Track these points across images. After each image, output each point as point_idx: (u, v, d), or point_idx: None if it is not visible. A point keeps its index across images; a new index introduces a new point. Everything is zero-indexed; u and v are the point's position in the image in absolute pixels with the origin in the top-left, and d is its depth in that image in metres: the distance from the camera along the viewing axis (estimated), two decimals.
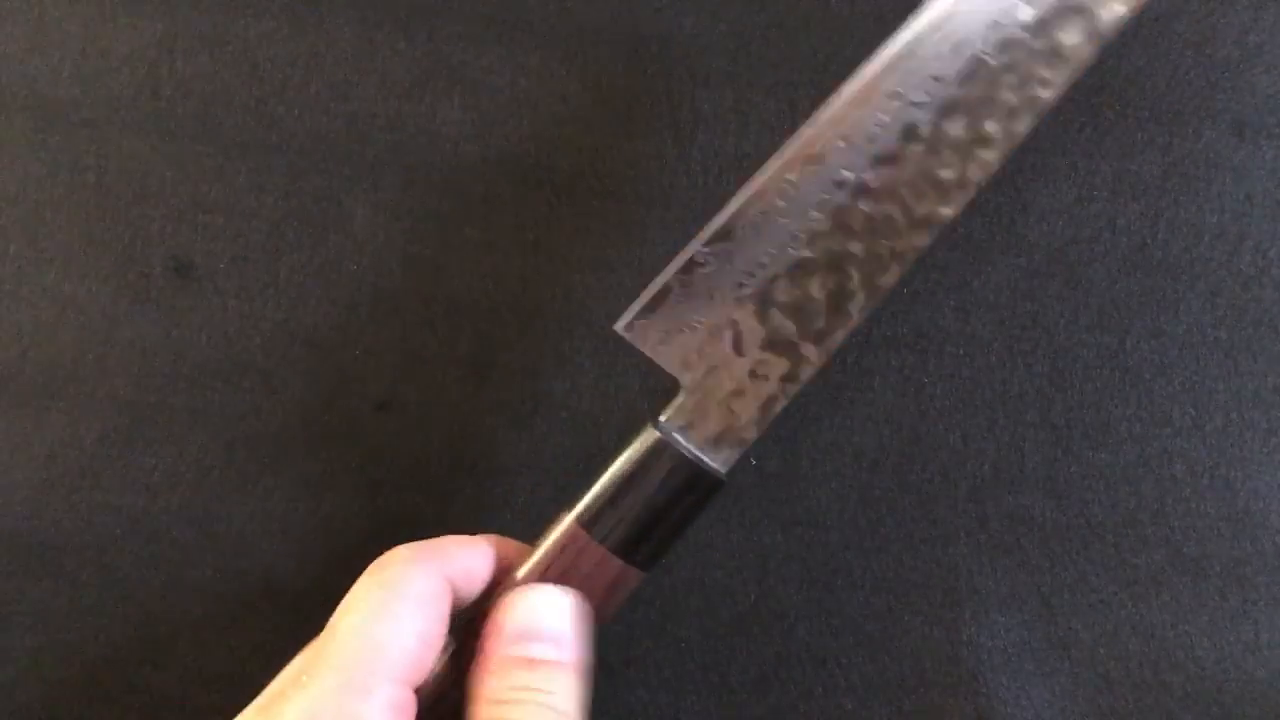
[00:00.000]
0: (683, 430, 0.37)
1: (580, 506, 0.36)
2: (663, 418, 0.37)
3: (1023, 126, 0.37)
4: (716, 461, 0.37)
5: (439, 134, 0.43)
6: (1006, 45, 0.37)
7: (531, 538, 0.37)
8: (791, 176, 0.37)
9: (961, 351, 0.43)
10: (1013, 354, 0.43)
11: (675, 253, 0.37)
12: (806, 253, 0.37)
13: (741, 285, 0.37)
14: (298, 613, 0.43)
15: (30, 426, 0.43)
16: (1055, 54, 0.37)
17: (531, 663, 0.34)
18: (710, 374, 0.37)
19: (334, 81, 0.43)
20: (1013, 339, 0.43)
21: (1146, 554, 0.43)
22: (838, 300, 0.37)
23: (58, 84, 0.43)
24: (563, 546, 0.36)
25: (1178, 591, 0.43)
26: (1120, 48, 0.43)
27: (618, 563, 0.36)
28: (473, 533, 0.37)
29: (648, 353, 0.37)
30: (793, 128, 0.36)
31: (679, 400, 0.37)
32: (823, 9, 0.43)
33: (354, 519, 0.42)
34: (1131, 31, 0.43)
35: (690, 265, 0.37)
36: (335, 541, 0.42)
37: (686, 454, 0.37)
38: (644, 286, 0.37)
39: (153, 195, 0.43)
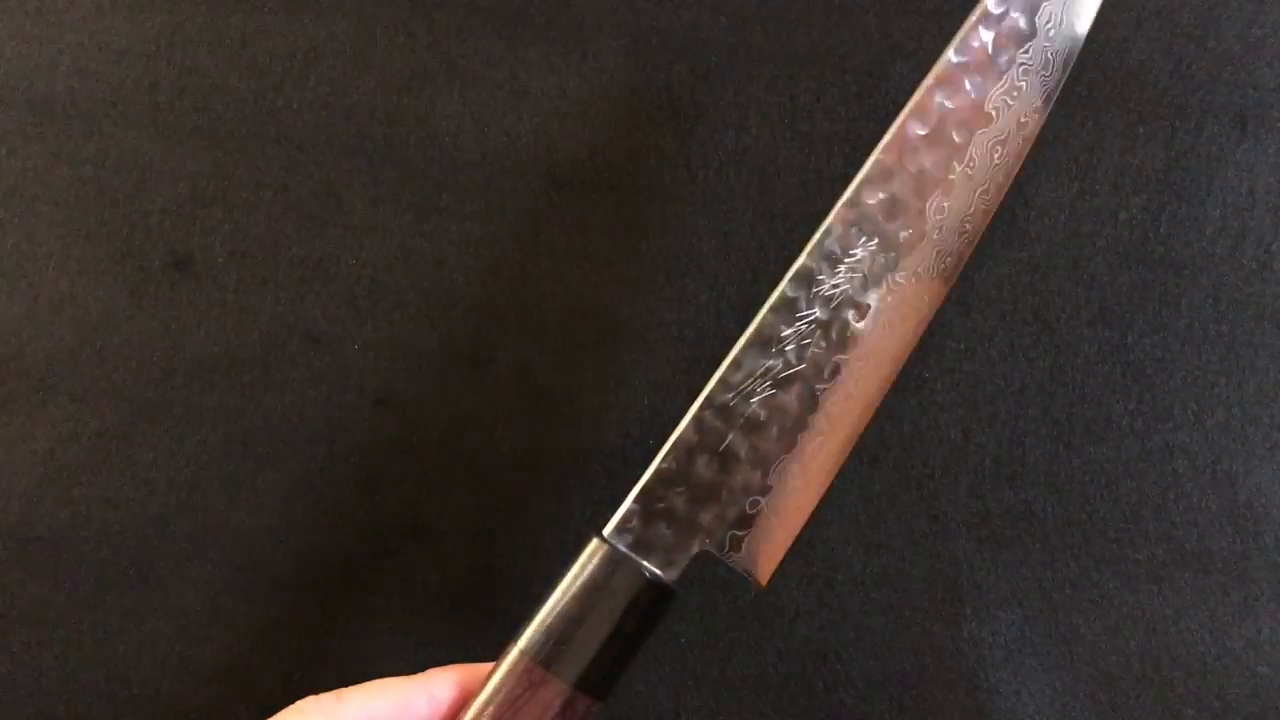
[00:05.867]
0: (631, 543, 0.34)
1: (527, 635, 0.33)
2: (607, 530, 0.34)
3: None
4: (668, 574, 0.34)
5: (438, 128, 0.43)
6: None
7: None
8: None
9: (962, 346, 0.43)
10: (1014, 349, 0.43)
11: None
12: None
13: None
14: (296, 608, 0.43)
15: (29, 421, 0.42)
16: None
17: None
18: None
19: (332, 76, 0.43)
20: (1014, 333, 0.43)
21: (1148, 549, 0.42)
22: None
23: (56, 78, 0.43)
24: (510, 683, 0.33)
25: (1179, 587, 0.42)
26: (1123, 41, 0.43)
27: (578, 696, 0.33)
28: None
29: None
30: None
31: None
32: (823, 2, 0.43)
33: (352, 513, 0.42)
34: (1134, 25, 0.43)
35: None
36: (333, 536, 0.42)
37: (640, 568, 0.33)
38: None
39: (151, 189, 0.43)
